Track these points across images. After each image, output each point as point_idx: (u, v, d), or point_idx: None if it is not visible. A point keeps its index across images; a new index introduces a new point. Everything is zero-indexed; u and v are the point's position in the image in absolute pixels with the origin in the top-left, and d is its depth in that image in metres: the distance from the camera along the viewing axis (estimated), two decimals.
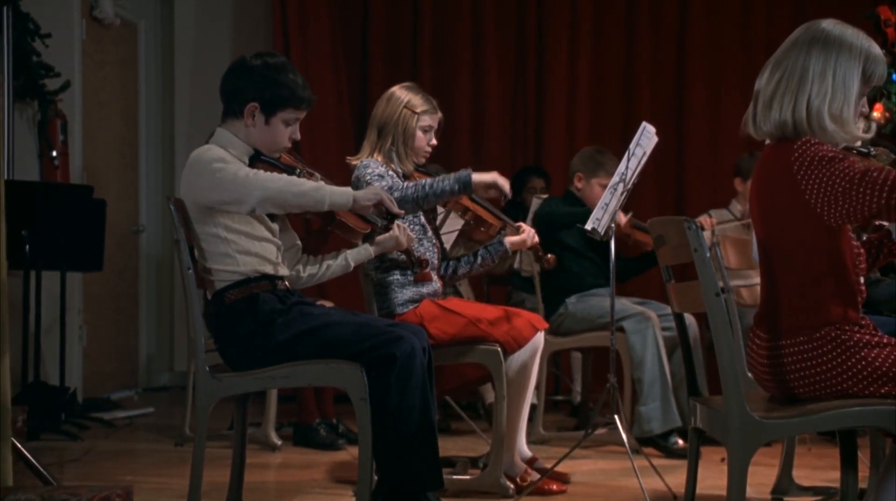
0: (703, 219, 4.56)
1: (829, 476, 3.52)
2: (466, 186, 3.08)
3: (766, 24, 6.18)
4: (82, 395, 5.43)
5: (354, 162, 3.33)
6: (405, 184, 3.13)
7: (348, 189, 2.72)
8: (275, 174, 2.64)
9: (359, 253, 2.97)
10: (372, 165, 3.22)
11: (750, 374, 2.40)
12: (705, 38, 6.19)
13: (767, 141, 2.27)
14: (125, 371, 6.22)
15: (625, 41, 6.24)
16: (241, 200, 2.62)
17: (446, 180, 3.08)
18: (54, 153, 5.24)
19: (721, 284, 2.16)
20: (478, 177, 3.11)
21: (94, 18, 5.81)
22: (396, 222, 2.95)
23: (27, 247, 4.45)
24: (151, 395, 6.19)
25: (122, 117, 6.20)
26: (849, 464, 2.45)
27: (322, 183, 2.69)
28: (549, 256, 3.52)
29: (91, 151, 5.77)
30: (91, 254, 4.84)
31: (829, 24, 2.22)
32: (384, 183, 3.12)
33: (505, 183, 3.15)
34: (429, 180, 3.10)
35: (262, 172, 2.64)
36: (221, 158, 2.66)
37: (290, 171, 2.78)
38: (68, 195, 4.77)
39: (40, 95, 5.18)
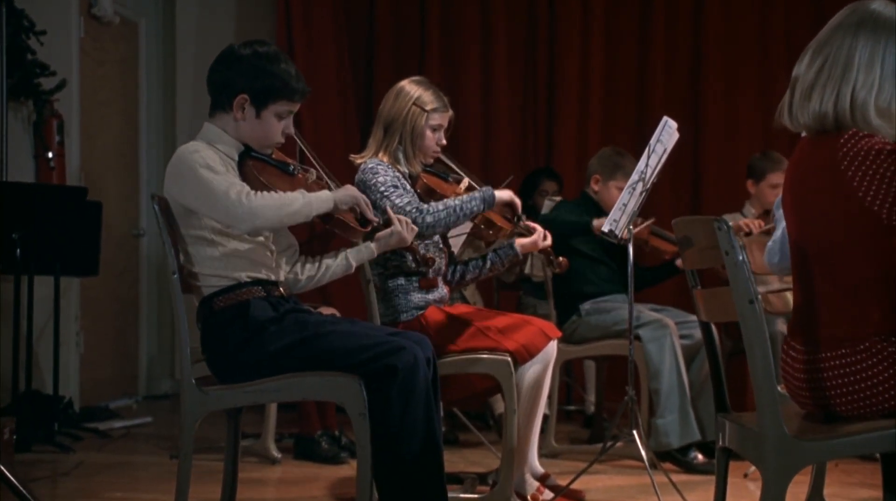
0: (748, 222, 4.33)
1: (861, 495, 3.34)
2: (491, 204, 3.09)
3: (784, 18, 5.98)
4: (80, 403, 5.27)
5: (359, 160, 3.17)
6: (434, 207, 2.98)
7: (326, 193, 2.57)
8: (265, 197, 2.45)
9: (360, 252, 2.77)
10: (381, 171, 3.05)
11: (781, 388, 2.20)
12: (721, 33, 6.00)
13: (803, 133, 2.07)
14: (125, 379, 6.05)
15: (638, 38, 6.06)
16: (231, 224, 2.47)
17: (473, 201, 3.04)
18: (50, 154, 5.09)
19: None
20: (498, 194, 3.12)
21: (92, 16, 5.66)
22: (399, 216, 2.80)
23: (18, 251, 4.28)
24: (152, 403, 6.02)
25: (122, 117, 6.05)
26: (891, 489, 2.24)
27: (306, 195, 2.52)
28: (561, 259, 3.34)
29: (90, 153, 5.62)
30: (86, 258, 4.67)
31: (880, 6, 2.00)
32: (405, 199, 2.97)
33: (519, 204, 3.19)
34: (457, 202, 3.02)
35: (252, 194, 2.45)
36: (208, 165, 2.45)
37: (282, 167, 2.60)
38: (61, 197, 4.60)
39: (35, 95, 5.03)
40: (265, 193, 2.47)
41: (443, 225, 3.00)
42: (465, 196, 3.04)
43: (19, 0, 4.88)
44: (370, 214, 2.63)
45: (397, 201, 2.95)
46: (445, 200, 3.04)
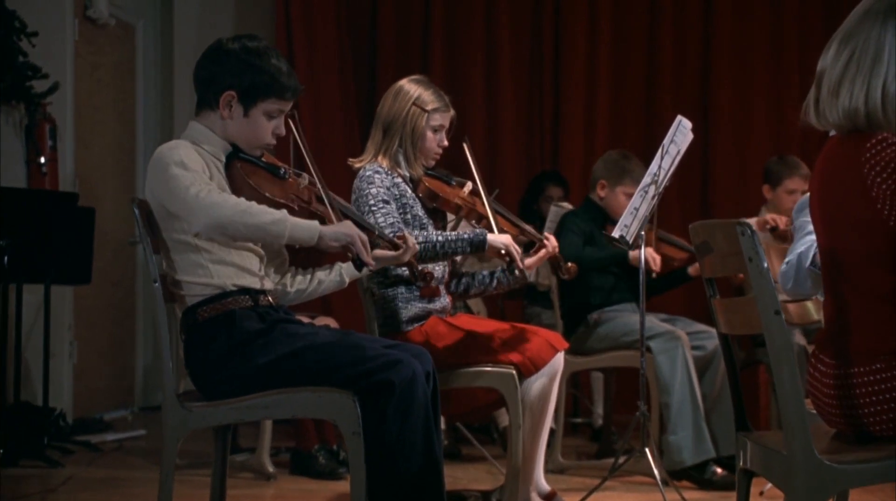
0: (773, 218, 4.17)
1: None
2: (480, 248, 2.90)
3: (797, 19, 5.84)
4: (73, 415, 5.13)
5: (357, 164, 3.04)
6: (415, 236, 2.81)
7: (314, 224, 2.33)
8: (231, 198, 2.28)
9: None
10: (376, 180, 2.91)
11: (807, 403, 2.04)
12: (732, 35, 5.87)
13: (832, 132, 1.92)
14: (120, 389, 5.91)
15: (647, 39, 5.92)
16: (189, 220, 2.29)
17: (460, 242, 2.87)
18: (42, 159, 4.96)
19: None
20: (492, 239, 2.89)
21: (87, 18, 5.54)
22: (407, 236, 2.62)
23: (5, 258, 4.14)
24: (148, 414, 5.87)
25: (118, 122, 5.91)
26: None
27: (285, 214, 2.30)
28: (570, 265, 3.19)
29: (84, 158, 5.49)
30: (78, 266, 4.53)
31: None
32: (389, 220, 2.84)
33: (517, 254, 2.89)
34: (440, 239, 2.87)
35: (216, 191, 2.28)
36: (181, 161, 2.31)
37: (272, 170, 2.45)
38: (51, 203, 4.45)
39: (27, 98, 4.90)
40: (232, 195, 2.31)
41: (418, 257, 2.79)
42: (451, 234, 2.89)
43: (10, 0, 4.77)
44: (366, 256, 2.37)
45: (381, 219, 2.84)
46: (428, 233, 2.91)
